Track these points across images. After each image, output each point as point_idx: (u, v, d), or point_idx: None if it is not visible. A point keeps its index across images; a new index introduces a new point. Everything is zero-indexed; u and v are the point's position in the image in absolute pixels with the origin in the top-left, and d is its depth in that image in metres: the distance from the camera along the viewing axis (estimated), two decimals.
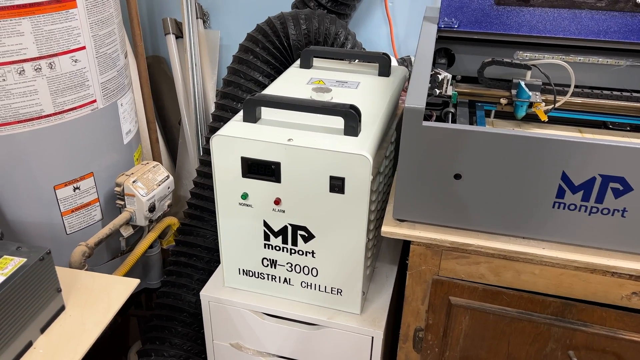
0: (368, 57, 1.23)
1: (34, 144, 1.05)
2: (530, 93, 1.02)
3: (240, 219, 0.99)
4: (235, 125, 0.95)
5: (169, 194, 1.28)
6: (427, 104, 1.01)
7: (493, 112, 1.10)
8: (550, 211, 0.83)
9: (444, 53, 1.19)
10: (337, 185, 0.89)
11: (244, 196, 0.96)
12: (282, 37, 1.34)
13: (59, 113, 1.06)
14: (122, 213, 1.20)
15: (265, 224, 0.98)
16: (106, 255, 1.28)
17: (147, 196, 1.19)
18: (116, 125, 1.21)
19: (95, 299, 0.83)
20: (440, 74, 0.99)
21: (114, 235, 1.23)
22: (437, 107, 1.05)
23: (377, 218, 1.01)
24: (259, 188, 0.95)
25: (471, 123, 1.05)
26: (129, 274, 1.27)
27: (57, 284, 0.78)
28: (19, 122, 1.02)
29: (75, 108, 1.08)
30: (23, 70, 0.98)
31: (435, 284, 0.95)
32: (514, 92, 1.06)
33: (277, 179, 0.93)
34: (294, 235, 0.97)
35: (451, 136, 0.81)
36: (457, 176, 0.84)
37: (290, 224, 0.96)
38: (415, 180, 0.86)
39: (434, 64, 1.19)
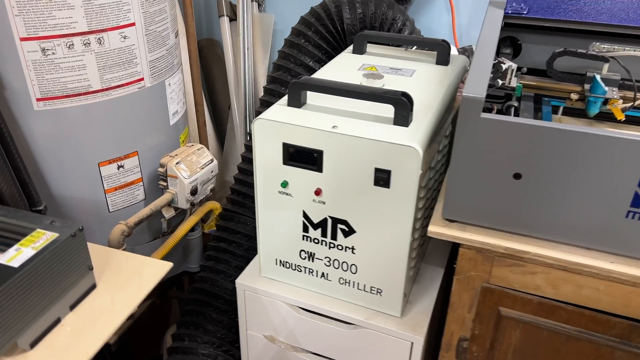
0: (426, 44, 1.15)
1: (80, 120, 1.05)
2: (606, 88, 0.91)
3: (279, 207, 0.95)
4: (279, 110, 0.90)
5: (212, 177, 1.25)
6: (488, 95, 0.93)
7: (561, 108, 1.00)
8: (622, 221, 0.73)
9: (510, 42, 1.09)
10: (382, 178, 0.83)
11: (284, 184, 0.91)
12: (336, 20, 1.28)
13: (106, 90, 1.05)
14: (164, 194, 1.19)
15: (305, 215, 0.93)
16: (147, 235, 1.27)
17: (189, 179, 1.17)
18: (163, 105, 1.20)
19: (127, 280, 0.81)
20: (504, 63, 0.91)
21: (156, 216, 1.23)
22: (499, 100, 0.97)
23: (424, 216, 0.94)
24: (300, 177, 0.90)
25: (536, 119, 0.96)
26: (168, 256, 1.26)
27: (89, 262, 0.77)
28: (66, 96, 1.01)
29: (122, 85, 1.07)
30: (72, 45, 0.98)
31: (484, 292, 0.87)
32: (587, 86, 0.95)
33: (319, 169, 0.87)
34: (334, 228, 0.92)
35: (513, 131, 0.73)
36: (517, 176, 0.76)
37: (330, 217, 0.91)
38: (469, 178, 0.78)
39: (498, 53, 1.10)
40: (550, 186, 0.74)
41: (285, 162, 0.90)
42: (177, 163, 1.16)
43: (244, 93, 1.57)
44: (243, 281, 1.06)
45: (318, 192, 0.90)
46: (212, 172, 1.24)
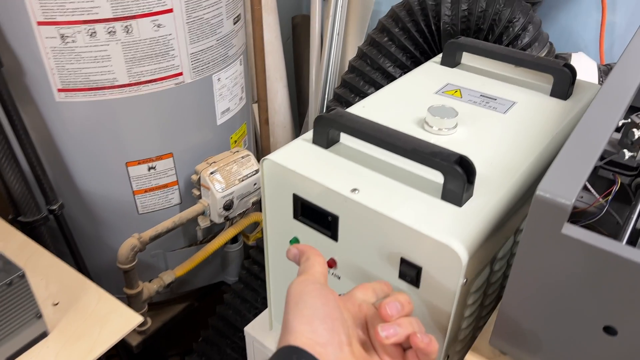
0: (537, 65, 0.82)
1: (104, 115, 0.93)
2: None
3: (289, 265, 0.75)
4: (298, 148, 0.68)
5: (254, 190, 1.09)
6: (614, 163, 0.63)
7: None
8: None
9: None
10: (408, 273, 0.59)
11: (294, 242, 0.71)
12: (431, 17, 1.00)
13: (135, 84, 0.92)
14: (195, 205, 1.05)
15: None
16: (182, 240, 1.16)
17: (222, 192, 1.01)
18: (208, 103, 1.04)
19: (84, 332, 0.68)
20: (638, 128, 0.58)
21: (192, 222, 1.10)
22: (630, 172, 0.65)
23: (480, 326, 0.68)
24: (312, 238, 0.68)
25: None
26: (202, 265, 1.14)
27: (36, 310, 0.65)
28: (89, 89, 0.90)
29: (154, 80, 0.93)
30: (95, 32, 0.85)
31: None
32: None
33: (334, 236, 0.65)
34: None
35: (610, 263, 0.44)
36: (610, 330, 0.47)
37: None
38: (530, 312, 0.51)
39: None
40: None
41: (295, 217, 0.69)
42: (211, 173, 1.01)
43: (323, 87, 1.36)
44: (252, 331, 0.89)
45: (331, 264, 0.68)
46: (254, 184, 1.07)
